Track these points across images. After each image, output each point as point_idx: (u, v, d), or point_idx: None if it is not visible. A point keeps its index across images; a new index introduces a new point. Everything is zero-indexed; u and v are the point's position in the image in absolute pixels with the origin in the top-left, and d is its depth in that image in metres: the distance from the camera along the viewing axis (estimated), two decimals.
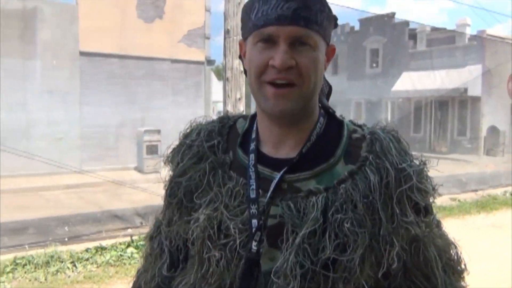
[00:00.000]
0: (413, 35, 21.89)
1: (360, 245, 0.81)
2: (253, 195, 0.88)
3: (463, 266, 0.97)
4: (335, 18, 0.92)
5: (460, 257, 0.97)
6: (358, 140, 0.91)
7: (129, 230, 6.06)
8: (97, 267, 4.78)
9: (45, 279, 4.41)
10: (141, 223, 6.37)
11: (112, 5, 12.38)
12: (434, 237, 0.92)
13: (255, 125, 0.96)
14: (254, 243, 0.86)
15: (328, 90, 1.03)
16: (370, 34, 22.99)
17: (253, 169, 0.90)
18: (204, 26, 14.00)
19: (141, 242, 5.36)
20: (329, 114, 0.97)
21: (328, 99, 1.02)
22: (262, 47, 0.85)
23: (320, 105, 0.97)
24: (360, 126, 0.95)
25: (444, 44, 20.64)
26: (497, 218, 7.36)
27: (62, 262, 4.75)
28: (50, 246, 5.18)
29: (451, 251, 0.96)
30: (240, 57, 0.96)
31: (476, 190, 9.80)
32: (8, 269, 4.51)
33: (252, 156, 0.92)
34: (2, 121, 10.64)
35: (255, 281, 0.86)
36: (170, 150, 1.02)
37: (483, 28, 20.12)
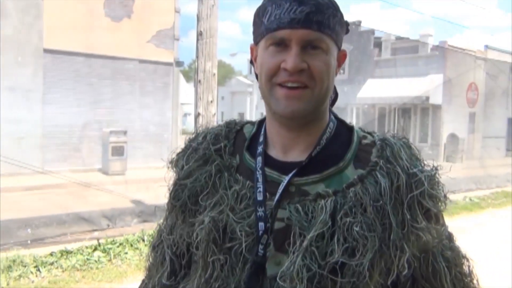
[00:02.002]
0: (378, 44, 22.43)
1: (370, 250, 0.79)
2: (260, 197, 0.86)
3: (475, 282, 0.95)
4: (347, 24, 0.92)
5: (472, 272, 0.95)
6: (368, 145, 0.91)
7: (96, 233, 5.90)
8: (63, 271, 4.62)
9: (7, 284, 4.22)
10: (108, 225, 6.22)
11: (79, 2, 12.08)
12: (444, 249, 0.91)
13: (262, 129, 0.96)
14: (260, 247, 0.84)
15: (334, 97, 1.03)
16: None
17: (260, 172, 0.89)
18: (173, 27, 13.87)
19: (109, 246, 5.22)
20: (339, 120, 0.97)
21: (332, 105, 1.02)
22: (274, 50, 0.85)
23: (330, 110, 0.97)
24: (370, 133, 0.95)
25: (408, 53, 21.26)
26: (458, 223, 7.60)
27: (25, 266, 4.55)
28: (12, 250, 4.98)
29: (463, 265, 0.94)
30: (251, 61, 0.96)
31: None
32: None
33: (259, 159, 0.91)
34: None
35: (260, 286, 0.84)
36: (174, 154, 1.00)
37: (445, 39, 20.85)
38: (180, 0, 14.33)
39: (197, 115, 6.35)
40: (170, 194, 0.97)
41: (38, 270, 4.57)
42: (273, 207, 0.86)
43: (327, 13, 0.84)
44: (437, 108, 20.27)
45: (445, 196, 0.89)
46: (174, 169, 0.98)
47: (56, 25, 11.66)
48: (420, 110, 21.17)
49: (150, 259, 1.04)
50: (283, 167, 0.89)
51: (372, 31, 22.33)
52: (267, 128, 0.94)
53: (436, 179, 0.88)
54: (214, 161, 0.93)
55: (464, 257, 0.96)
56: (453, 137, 20.17)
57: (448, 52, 19.87)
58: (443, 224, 0.93)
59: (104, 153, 12.13)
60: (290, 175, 0.87)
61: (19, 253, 4.82)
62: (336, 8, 0.87)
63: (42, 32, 11.68)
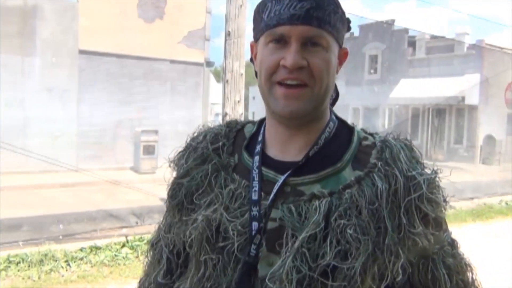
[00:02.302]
0: (412, 43, 21.96)
1: (363, 253, 0.78)
2: (255, 197, 0.85)
3: None
4: (348, 21, 0.91)
5: (474, 281, 0.92)
6: (368, 147, 0.89)
7: (124, 230, 6.03)
8: (91, 266, 4.75)
9: (39, 278, 4.37)
10: (137, 222, 6.35)
11: (113, 4, 12.38)
12: (445, 256, 0.88)
13: (262, 128, 0.95)
14: (253, 247, 0.83)
15: (335, 97, 1.01)
16: (369, 40, 23.06)
17: (257, 171, 0.88)
18: (204, 27, 14.00)
19: (136, 243, 5.33)
20: (340, 120, 0.95)
21: (333, 105, 1.00)
22: (273, 47, 0.84)
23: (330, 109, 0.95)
24: (371, 134, 0.93)
25: (443, 52, 20.71)
26: (493, 227, 7.36)
27: (56, 261, 4.71)
28: (44, 244, 5.15)
29: (466, 273, 0.91)
30: (251, 59, 0.95)
31: (472, 198, 9.82)
32: (1, 267, 4.48)
33: (256, 158, 0.90)
34: None
35: (251, 287, 0.83)
36: (176, 153, 1.00)
37: (482, 37, 20.22)
38: (212, 1, 14.48)
39: (224, 115, 6.40)
40: (168, 192, 0.97)
41: (68, 264, 4.72)
42: (267, 206, 0.84)
43: (327, 9, 0.83)
44: (473, 108, 19.67)
45: (445, 200, 0.86)
46: (175, 168, 0.98)
47: (90, 26, 11.99)
48: (455, 110, 20.60)
49: (149, 257, 1.04)
50: (280, 167, 0.88)
51: (406, 30, 21.88)
52: (266, 127, 0.93)
53: (436, 183, 0.85)
54: (212, 160, 0.93)
55: (468, 264, 0.92)
56: (489, 138, 19.52)
57: (485, 51, 19.25)
58: (446, 230, 0.90)
59: (135, 152, 12.39)
60: (285, 175, 0.86)
61: (51, 248, 4.99)
62: (337, 5, 0.86)
63: (77, 33, 12.03)
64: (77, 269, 4.66)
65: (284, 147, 0.90)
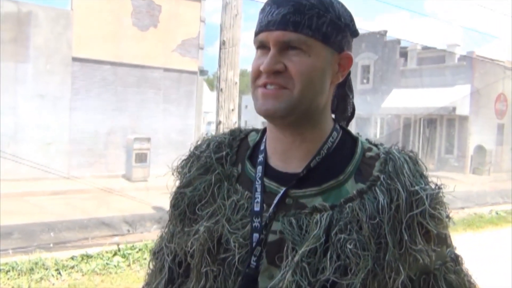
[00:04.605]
0: (404, 53, 22.18)
1: (362, 269, 0.77)
2: (257, 208, 0.85)
3: None
4: (349, 27, 0.88)
5: None
6: (371, 158, 0.88)
7: (116, 238, 5.99)
8: (82, 275, 4.71)
9: (28, 287, 4.32)
10: (129, 230, 6.31)
11: (107, 12, 12.39)
12: (447, 272, 0.87)
13: (264, 137, 0.95)
14: (253, 258, 0.83)
15: (351, 111, 1.01)
16: (362, 50, 23.25)
17: (259, 182, 0.88)
18: (198, 36, 14.05)
19: (128, 251, 5.30)
20: (344, 129, 0.94)
21: (348, 122, 1.00)
22: (260, 53, 0.86)
23: (334, 119, 0.95)
24: (376, 145, 0.92)
25: (434, 63, 20.95)
26: (484, 237, 7.41)
27: (46, 269, 4.66)
28: (34, 253, 5.09)
29: None
30: None
31: (462, 208, 9.88)
32: None
33: (259, 168, 0.90)
34: None
35: None
36: (179, 161, 1.00)
37: (473, 49, 20.48)
38: (206, 9, 14.53)
39: (218, 123, 6.42)
40: (171, 201, 0.97)
41: (59, 273, 4.67)
42: (268, 219, 0.84)
43: (308, 13, 0.82)
44: (464, 119, 19.87)
45: (447, 216, 0.86)
46: (178, 176, 0.98)
47: (84, 34, 11.99)
48: (446, 121, 20.78)
49: (151, 266, 1.03)
50: (282, 178, 0.87)
51: (398, 41, 22.10)
52: (267, 135, 0.93)
53: (439, 199, 0.84)
54: (215, 170, 0.93)
55: (471, 282, 0.91)
56: (480, 148, 19.70)
57: (476, 62, 19.50)
58: (449, 246, 0.89)
59: (127, 160, 12.35)
60: (286, 188, 0.86)
61: (42, 256, 4.93)
62: (325, 9, 0.83)
63: (71, 41, 12.02)
64: (68, 277, 4.61)
65: (284, 157, 0.89)
